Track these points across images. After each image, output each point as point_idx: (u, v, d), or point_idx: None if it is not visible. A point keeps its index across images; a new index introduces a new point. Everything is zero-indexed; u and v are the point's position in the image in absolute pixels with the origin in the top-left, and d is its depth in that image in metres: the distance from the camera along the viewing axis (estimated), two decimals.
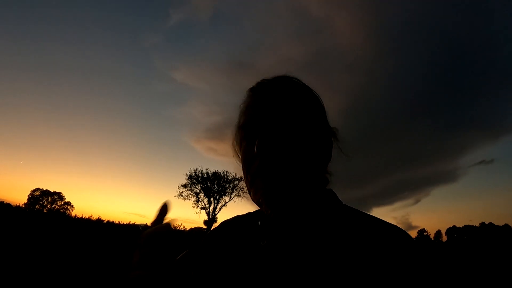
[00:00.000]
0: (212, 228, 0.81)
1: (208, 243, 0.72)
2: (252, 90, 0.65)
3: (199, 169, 35.17)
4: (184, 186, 34.28)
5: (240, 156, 0.65)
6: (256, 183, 0.58)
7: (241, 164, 0.65)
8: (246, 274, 0.57)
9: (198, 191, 34.63)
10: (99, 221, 32.12)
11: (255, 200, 0.60)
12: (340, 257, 0.51)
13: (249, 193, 0.62)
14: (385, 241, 0.51)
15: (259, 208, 0.67)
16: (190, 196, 34.15)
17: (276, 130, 0.57)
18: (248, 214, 0.74)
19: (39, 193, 43.00)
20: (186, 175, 34.80)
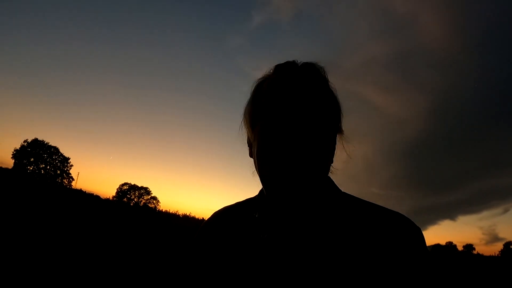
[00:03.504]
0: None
1: (202, 238, 0.68)
2: (279, 68, 0.60)
3: None
4: None
5: (258, 129, 0.58)
6: (278, 159, 0.53)
7: (253, 138, 0.60)
8: (249, 269, 0.54)
9: None
10: (185, 216, 31.89)
11: (271, 176, 0.55)
12: (347, 249, 0.51)
13: (262, 169, 0.57)
14: (391, 230, 0.52)
15: (250, 197, 0.68)
16: None
17: (311, 113, 0.55)
18: (238, 204, 0.70)
19: (127, 187, 43.30)
20: None
